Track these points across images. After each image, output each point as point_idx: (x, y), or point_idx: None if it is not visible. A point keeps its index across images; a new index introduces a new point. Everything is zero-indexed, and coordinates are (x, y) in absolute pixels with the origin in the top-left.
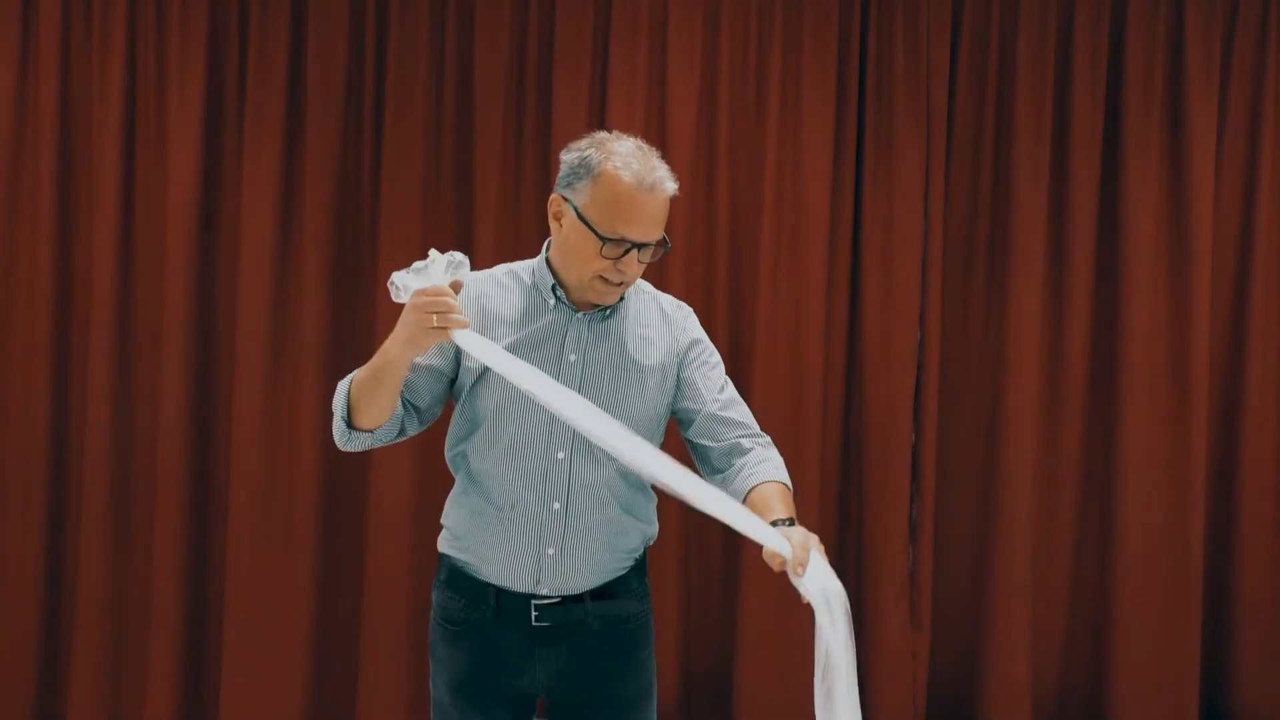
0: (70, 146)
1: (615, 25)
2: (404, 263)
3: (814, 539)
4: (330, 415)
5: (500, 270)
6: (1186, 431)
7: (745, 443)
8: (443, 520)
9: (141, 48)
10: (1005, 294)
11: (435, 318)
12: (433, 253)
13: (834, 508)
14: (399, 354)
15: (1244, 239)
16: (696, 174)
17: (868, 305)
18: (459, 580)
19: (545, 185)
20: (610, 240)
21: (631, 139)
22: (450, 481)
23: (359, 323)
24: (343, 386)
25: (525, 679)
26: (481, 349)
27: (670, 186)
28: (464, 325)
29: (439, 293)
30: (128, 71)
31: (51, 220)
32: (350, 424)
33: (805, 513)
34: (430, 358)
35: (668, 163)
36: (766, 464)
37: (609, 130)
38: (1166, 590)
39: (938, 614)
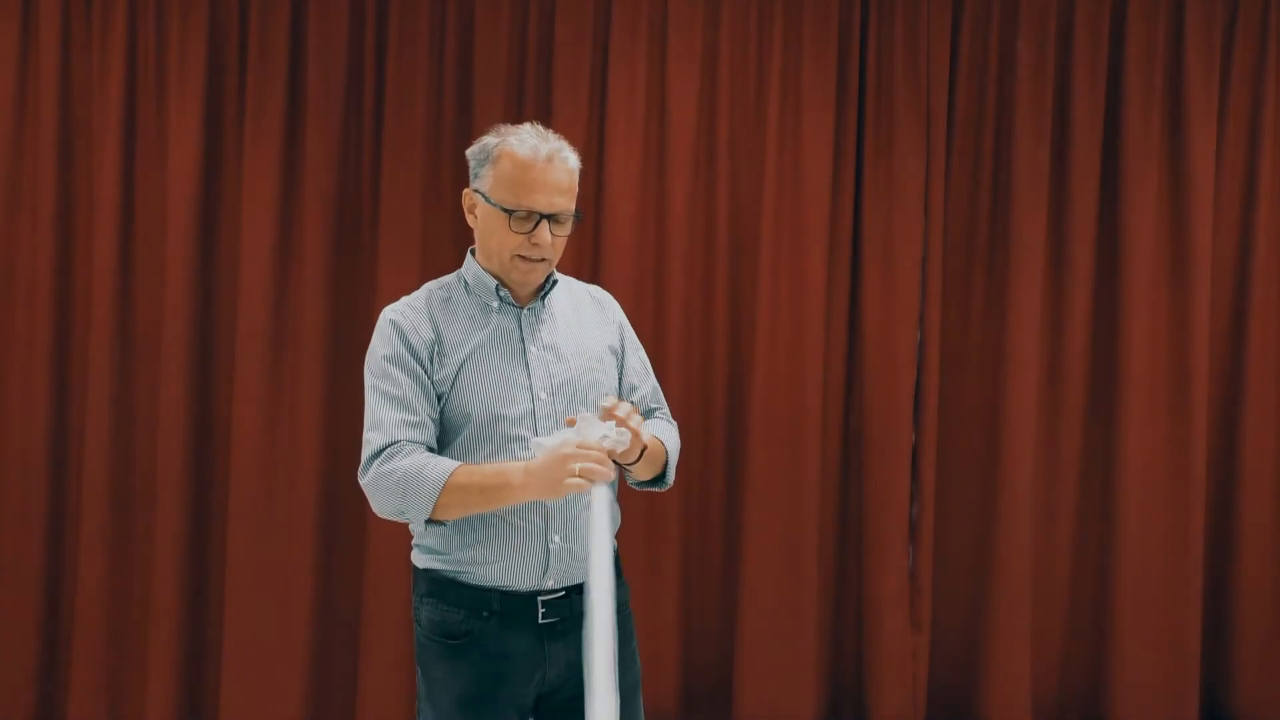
0: (70, 146)
1: (615, 25)
2: (404, 262)
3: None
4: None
5: (433, 288)
6: (1186, 431)
7: (650, 404)
8: (420, 539)
9: (141, 47)
10: (1005, 294)
11: (579, 467)
12: (588, 414)
13: (834, 508)
14: (532, 495)
15: (1244, 239)
16: (696, 174)
17: (868, 305)
18: (452, 591)
19: None
20: (516, 212)
21: (529, 124)
22: None
23: (359, 323)
24: (424, 487)
25: (534, 680)
26: (602, 508)
27: (570, 158)
28: (608, 479)
29: (594, 448)
30: (128, 71)
31: (51, 220)
32: (431, 518)
33: (805, 512)
34: (411, 376)
35: (668, 162)
36: (656, 425)
37: (608, 128)
38: (1166, 590)
39: (938, 614)
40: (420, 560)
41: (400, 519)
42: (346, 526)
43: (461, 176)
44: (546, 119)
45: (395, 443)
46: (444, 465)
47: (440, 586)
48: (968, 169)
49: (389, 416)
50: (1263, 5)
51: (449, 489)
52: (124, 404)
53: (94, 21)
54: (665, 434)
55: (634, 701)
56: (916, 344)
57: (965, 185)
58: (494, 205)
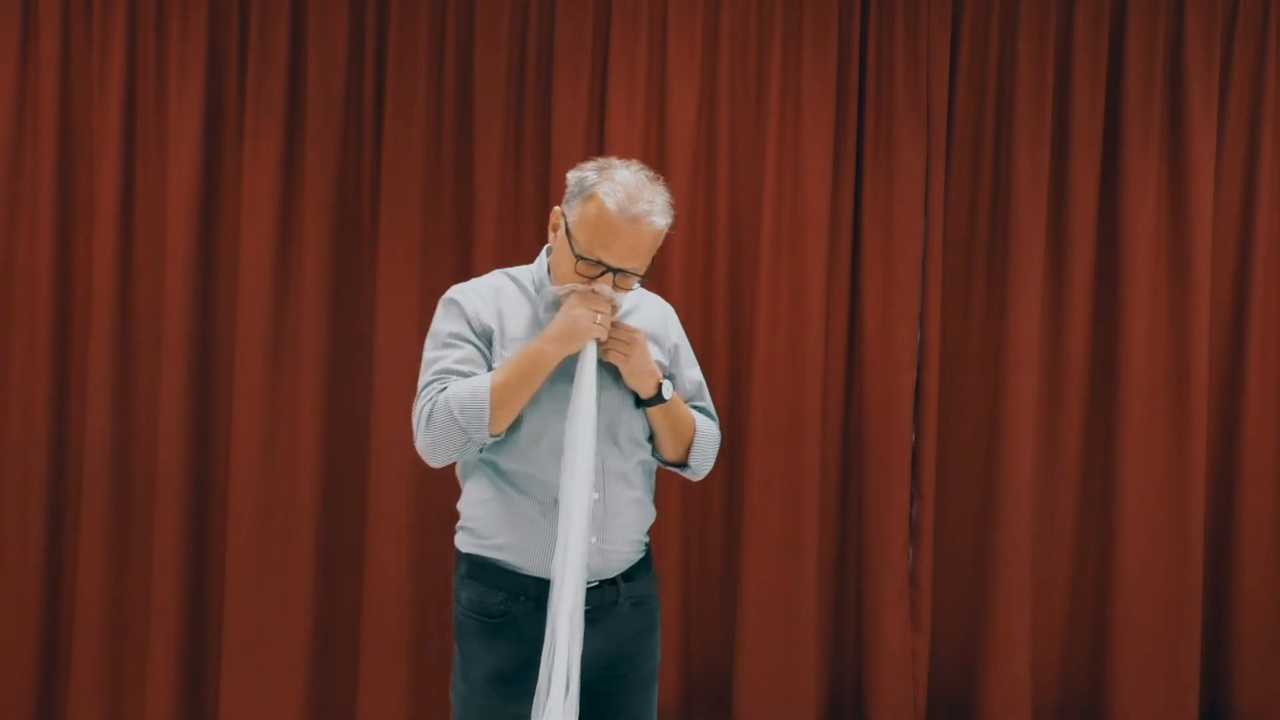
0: (70, 146)
1: (615, 25)
2: (404, 263)
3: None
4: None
5: (501, 277)
6: (1186, 431)
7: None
8: (464, 523)
9: (141, 48)
10: (1005, 294)
11: (600, 316)
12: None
13: (834, 508)
14: (556, 350)
15: (1244, 239)
16: (696, 174)
17: (868, 305)
18: (492, 574)
19: (545, 186)
20: (584, 259)
21: (638, 170)
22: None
23: (359, 323)
24: (475, 399)
25: None
26: (590, 364)
27: (657, 221)
28: (609, 319)
29: (600, 295)
30: (128, 71)
31: (51, 220)
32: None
33: (806, 512)
34: (475, 340)
35: (668, 162)
36: (693, 413)
37: (608, 128)
38: (1166, 590)
39: (938, 614)
40: (463, 544)
41: (468, 450)
42: (346, 526)
43: (461, 175)
44: (546, 119)
45: (442, 392)
46: (480, 377)
47: (481, 569)
48: (968, 169)
49: (444, 378)
50: (1263, 5)
51: (495, 391)
52: (124, 404)
53: (94, 21)
54: (700, 419)
55: (650, 691)
56: (916, 344)
57: (965, 185)
58: (569, 241)
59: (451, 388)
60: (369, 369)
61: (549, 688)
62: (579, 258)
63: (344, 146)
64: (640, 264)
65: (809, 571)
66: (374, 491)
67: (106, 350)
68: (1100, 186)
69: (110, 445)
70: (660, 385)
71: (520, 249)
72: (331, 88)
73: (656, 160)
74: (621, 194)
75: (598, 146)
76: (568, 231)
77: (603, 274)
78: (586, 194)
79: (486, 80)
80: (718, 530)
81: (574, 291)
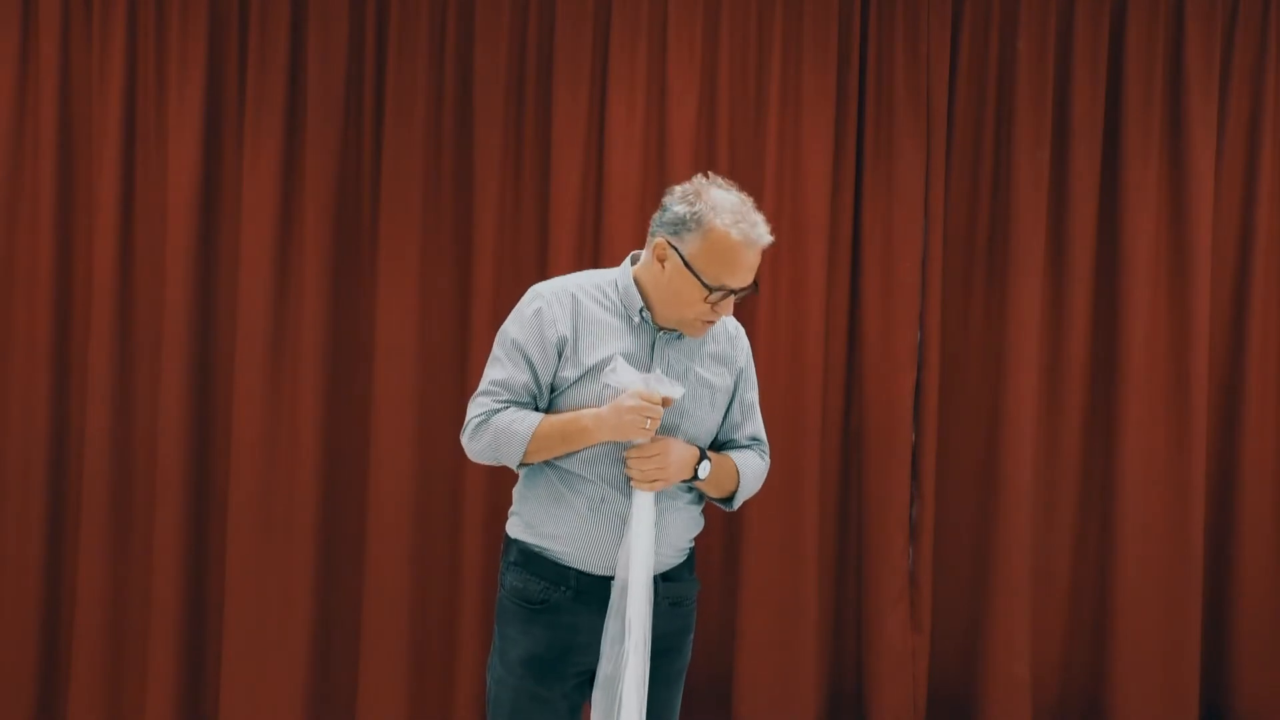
0: (70, 146)
1: (615, 25)
2: (404, 263)
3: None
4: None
5: (585, 281)
6: (1186, 431)
7: (743, 442)
8: (516, 510)
9: (141, 48)
10: (1005, 294)
11: (649, 423)
12: (658, 371)
13: (834, 508)
14: (600, 436)
15: (1244, 239)
16: (697, 174)
17: (868, 305)
18: (536, 563)
19: (545, 185)
20: (716, 289)
21: (729, 190)
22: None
23: (359, 323)
24: (518, 438)
25: (595, 653)
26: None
27: (769, 236)
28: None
29: (660, 402)
30: (128, 71)
31: (51, 220)
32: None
33: (806, 512)
34: (537, 360)
35: (668, 162)
36: (743, 455)
37: (608, 127)
38: (1166, 590)
39: (938, 614)
40: (514, 530)
41: (498, 464)
42: (346, 526)
43: (461, 175)
44: (546, 119)
45: (496, 411)
46: (530, 420)
47: (527, 557)
48: (968, 169)
49: (498, 391)
50: (1263, 5)
51: (535, 438)
52: (124, 404)
53: (94, 21)
54: (748, 465)
55: (677, 685)
56: (916, 344)
57: (965, 185)
58: (694, 274)
59: (505, 415)
60: (369, 369)
61: (618, 702)
62: (711, 289)
63: (344, 146)
64: (754, 276)
65: (809, 571)
66: (374, 491)
67: (106, 350)
68: (1100, 186)
69: (110, 445)
70: (696, 468)
71: (520, 249)
72: (331, 88)
73: (657, 160)
74: (742, 223)
75: (598, 146)
76: (688, 265)
77: (725, 297)
78: (703, 228)
79: (486, 80)
80: (718, 530)
81: (635, 391)
